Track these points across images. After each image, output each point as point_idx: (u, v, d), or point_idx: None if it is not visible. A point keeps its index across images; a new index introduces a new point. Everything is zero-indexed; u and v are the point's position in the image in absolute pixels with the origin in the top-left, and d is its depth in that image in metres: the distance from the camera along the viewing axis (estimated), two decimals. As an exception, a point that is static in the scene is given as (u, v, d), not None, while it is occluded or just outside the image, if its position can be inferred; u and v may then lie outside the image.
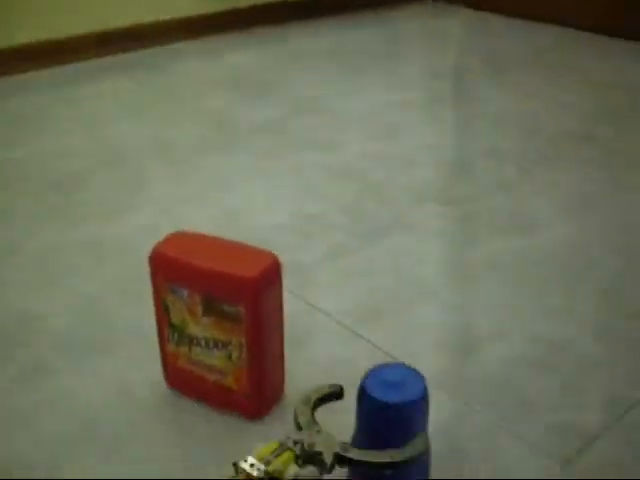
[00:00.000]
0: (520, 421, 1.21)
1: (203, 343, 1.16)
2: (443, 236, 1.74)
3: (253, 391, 1.15)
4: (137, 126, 2.31)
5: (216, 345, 1.15)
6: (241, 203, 1.86)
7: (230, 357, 1.14)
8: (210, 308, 1.12)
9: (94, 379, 1.29)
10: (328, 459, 0.92)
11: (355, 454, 0.94)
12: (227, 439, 1.14)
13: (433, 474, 1.06)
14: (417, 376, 1.02)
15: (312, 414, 0.99)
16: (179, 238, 1.18)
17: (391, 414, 0.98)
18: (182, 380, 1.23)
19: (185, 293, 1.14)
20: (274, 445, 0.92)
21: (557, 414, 1.22)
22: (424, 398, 1.00)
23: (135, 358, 1.34)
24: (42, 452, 1.15)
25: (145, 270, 1.17)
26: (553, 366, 1.33)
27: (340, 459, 0.93)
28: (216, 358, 1.16)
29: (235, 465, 0.90)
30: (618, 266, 1.62)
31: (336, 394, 1.04)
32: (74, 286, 1.56)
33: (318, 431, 0.96)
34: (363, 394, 1.00)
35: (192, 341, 1.17)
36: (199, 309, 1.13)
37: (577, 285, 1.56)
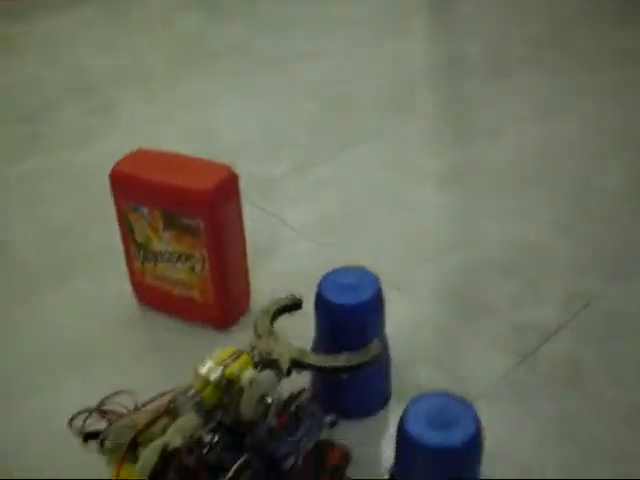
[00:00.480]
0: (480, 320, 1.24)
1: (167, 258, 1.18)
2: (406, 144, 1.75)
3: (217, 302, 1.18)
4: (105, 54, 2.28)
5: (179, 259, 1.17)
6: (209, 122, 1.87)
7: (193, 270, 1.17)
8: (170, 223, 1.14)
9: (65, 300, 1.32)
10: (285, 365, 0.94)
11: (311, 359, 0.96)
12: (195, 348, 1.16)
13: (393, 376, 1.10)
14: (372, 278, 1.03)
15: (271, 323, 1.01)
16: (138, 156, 1.19)
17: (346, 316, 1.00)
18: (151, 296, 1.26)
19: (145, 210, 1.15)
20: (231, 350, 0.94)
21: (516, 313, 1.25)
22: (378, 299, 1.02)
23: (105, 278, 1.36)
24: (17, 371, 1.18)
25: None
26: (513, 267, 1.35)
27: (296, 364, 0.95)
28: (180, 272, 1.18)
29: (195, 371, 0.91)
30: (577, 170, 1.63)
31: (295, 305, 1.05)
32: (44, 213, 1.58)
33: (276, 339, 0.98)
34: (319, 298, 1.02)
35: (157, 257, 1.19)
36: (160, 225, 1.15)
37: (537, 189, 1.57)
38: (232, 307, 1.20)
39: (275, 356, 0.95)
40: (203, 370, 0.89)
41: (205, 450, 0.86)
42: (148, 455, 0.82)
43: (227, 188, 1.14)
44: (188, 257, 1.16)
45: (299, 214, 1.52)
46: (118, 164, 1.17)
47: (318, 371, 0.98)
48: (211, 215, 1.11)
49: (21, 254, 1.46)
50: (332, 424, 0.97)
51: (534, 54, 2.11)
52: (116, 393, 0.94)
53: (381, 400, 1.09)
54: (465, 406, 0.85)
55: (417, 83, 2.04)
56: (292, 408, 0.93)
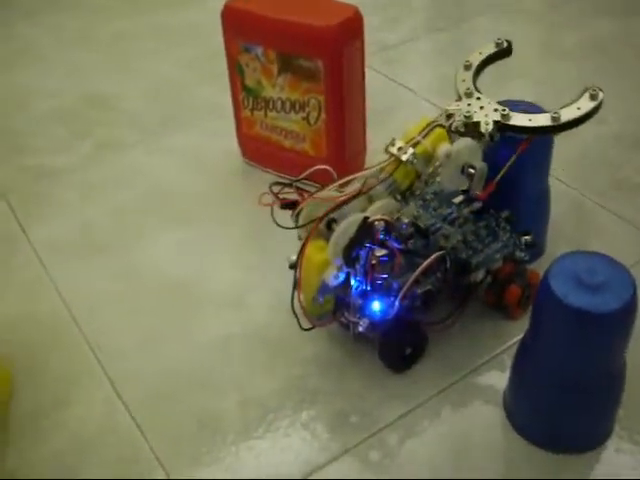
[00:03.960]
0: (616, 199, 1.12)
1: (279, 106, 1.09)
2: (537, 19, 1.60)
3: (331, 156, 1.08)
4: None
5: (293, 107, 1.08)
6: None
7: (308, 120, 1.07)
8: (286, 65, 1.04)
9: (168, 154, 1.25)
10: (488, 128, 0.83)
11: (517, 120, 0.84)
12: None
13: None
14: None
15: (474, 80, 0.90)
16: (254, -8, 1.09)
17: None
18: (258, 149, 1.17)
19: (259, 50, 1.06)
20: (424, 122, 0.85)
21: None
22: None
23: (211, 132, 1.28)
24: (116, 222, 1.12)
25: (222, 52, 1.10)
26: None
27: (501, 127, 0.84)
28: (293, 122, 1.09)
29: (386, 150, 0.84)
30: None
31: (504, 51, 0.92)
32: (148, 68, 1.50)
33: (478, 98, 0.86)
34: None
35: (268, 104, 1.10)
36: (274, 67, 1.06)
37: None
38: (346, 163, 1.10)
39: (476, 119, 0.84)
40: (393, 150, 0.82)
41: (402, 237, 0.80)
42: (346, 226, 0.77)
43: (352, 28, 1.03)
44: (303, 105, 1.07)
45: (418, 78, 1.41)
46: (231, 0, 1.07)
47: (526, 133, 0.85)
48: (334, 56, 1.01)
49: (125, 106, 1.39)
50: (529, 244, 0.90)
51: None
52: (314, 170, 0.85)
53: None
54: (618, 268, 0.74)
55: None
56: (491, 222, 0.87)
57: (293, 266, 0.83)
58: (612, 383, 0.78)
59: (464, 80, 0.90)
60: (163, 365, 0.90)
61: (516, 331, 0.87)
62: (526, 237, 0.91)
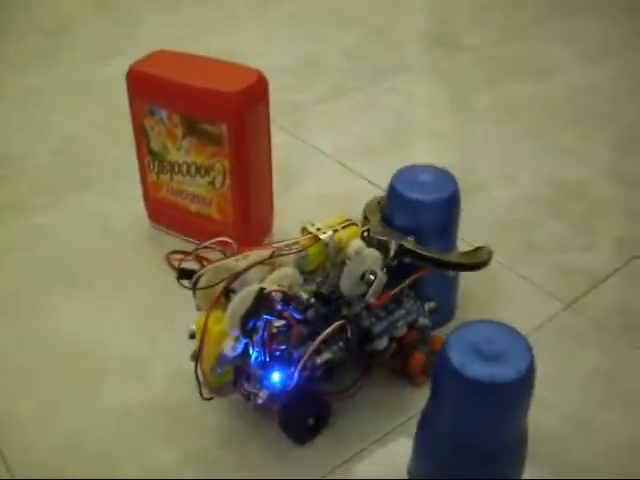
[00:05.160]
0: (526, 262, 1.13)
1: (185, 169, 1.08)
2: (451, 80, 1.64)
3: (237, 221, 1.07)
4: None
5: (198, 171, 1.06)
6: (240, 45, 1.75)
7: (213, 184, 1.06)
8: (191, 129, 1.03)
9: (73, 216, 1.23)
10: (392, 249, 0.88)
11: (423, 250, 0.89)
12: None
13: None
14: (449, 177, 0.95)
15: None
16: (159, 56, 1.08)
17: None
18: (164, 213, 1.15)
19: (164, 114, 1.05)
20: (342, 218, 0.89)
21: (565, 255, 1.15)
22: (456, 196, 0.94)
23: (117, 194, 1.26)
24: (17, 286, 1.09)
25: (131, 112, 1.09)
26: (563, 208, 1.25)
27: (405, 251, 0.88)
28: (199, 186, 1.08)
29: (304, 229, 0.87)
30: (637, 114, 1.51)
31: None
32: (58, 126, 1.48)
33: (385, 226, 0.91)
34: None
35: (173, 168, 1.09)
36: (179, 131, 1.05)
37: (593, 130, 1.46)
38: (253, 227, 1.09)
39: (384, 238, 0.88)
40: (312, 229, 0.85)
41: (301, 307, 0.80)
42: (243, 297, 0.76)
43: (256, 93, 1.03)
44: (208, 170, 1.05)
45: (329, 139, 1.41)
46: (137, 63, 1.06)
47: (427, 262, 0.89)
48: (238, 120, 1.00)
49: (30, 165, 1.36)
50: (432, 311, 0.91)
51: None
52: (214, 242, 0.86)
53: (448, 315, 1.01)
54: (516, 337, 0.74)
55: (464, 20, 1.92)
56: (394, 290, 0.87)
57: (193, 336, 0.82)
58: (514, 450, 0.77)
59: (373, 207, 0.95)
60: (60, 435, 0.86)
61: (421, 398, 0.85)
62: (429, 303, 0.91)
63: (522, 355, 0.71)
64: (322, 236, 0.85)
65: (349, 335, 0.83)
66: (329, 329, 0.80)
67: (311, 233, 0.85)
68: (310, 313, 0.81)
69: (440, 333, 0.92)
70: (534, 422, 0.76)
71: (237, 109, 1.00)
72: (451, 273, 0.94)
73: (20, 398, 0.91)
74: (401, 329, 0.88)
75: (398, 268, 0.90)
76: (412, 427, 0.82)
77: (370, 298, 0.84)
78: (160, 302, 1.04)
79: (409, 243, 0.90)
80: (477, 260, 0.91)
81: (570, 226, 1.21)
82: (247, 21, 1.89)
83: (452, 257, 0.91)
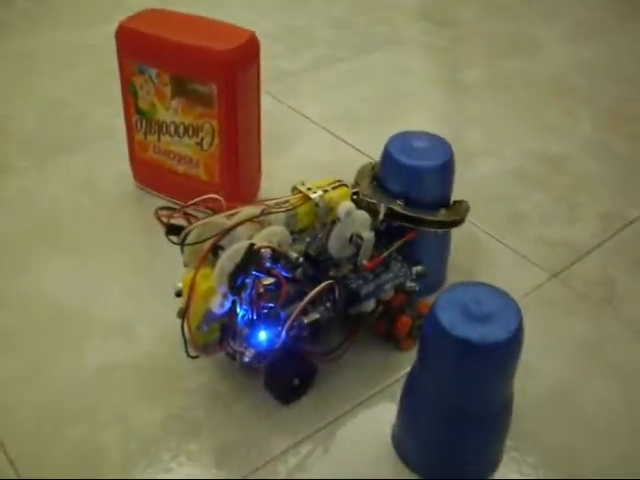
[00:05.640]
0: (512, 233, 1.14)
1: (173, 130, 1.07)
2: (438, 55, 1.63)
3: (224, 182, 1.06)
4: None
5: (186, 131, 1.05)
6: (226, 13, 1.73)
7: (201, 145, 1.05)
8: (180, 89, 1.02)
9: (59, 177, 1.21)
10: (382, 211, 0.89)
11: (411, 212, 0.90)
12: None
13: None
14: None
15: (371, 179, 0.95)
16: (150, 14, 1.07)
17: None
18: (150, 174, 1.14)
19: (153, 72, 1.03)
20: (331, 179, 0.88)
21: (549, 228, 1.15)
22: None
23: (103, 156, 1.25)
24: (1, 247, 1.07)
25: (118, 74, 1.08)
26: (548, 181, 1.25)
27: (394, 214, 0.89)
28: (186, 146, 1.07)
29: (294, 188, 0.86)
30: (622, 92, 1.52)
31: None
32: (44, 88, 1.45)
33: (375, 189, 0.93)
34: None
35: (161, 128, 1.08)
36: (168, 90, 1.03)
37: (578, 106, 1.46)
38: (240, 189, 1.08)
39: (374, 201, 0.89)
40: (303, 188, 0.84)
41: (290, 266, 0.79)
42: (232, 253, 0.75)
43: (247, 53, 1.02)
44: (196, 130, 1.04)
45: (317, 107, 1.41)
46: (127, 20, 1.05)
47: (415, 224, 0.90)
48: (228, 80, 0.99)
49: (15, 127, 1.34)
50: (420, 275, 0.91)
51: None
52: (203, 199, 0.84)
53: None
54: (505, 299, 0.74)
55: None
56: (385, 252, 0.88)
57: (179, 294, 0.81)
58: (499, 413, 0.78)
59: (365, 172, 0.97)
60: (45, 396, 0.85)
61: (407, 362, 0.86)
62: (417, 268, 0.91)
63: (511, 316, 0.72)
64: (312, 195, 0.84)
65: (337, 296, 0.82)
66: (317, 289, 0.79)
67: (301, 192, 0.85)
68: (298, 273, 0.80)
69: (428, 300, 0.92)
70: (520, 390, 0.77)
71: (226, 68, 0.99)
72: (437, 232, 0.94)
73: (2, 359, 0.90)
74: (388, 292, 0.88)
75: (386, 232, 0.90)
76: (397, 391, 0.82)
77: (362, 260, 0.84)
78: (146, 262, 1.04)
79: (398, 206, 0.90)
80: (460, 216, 0.93)
81: (554, 199, 1.21)
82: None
83: (439, 217, 0.92)
